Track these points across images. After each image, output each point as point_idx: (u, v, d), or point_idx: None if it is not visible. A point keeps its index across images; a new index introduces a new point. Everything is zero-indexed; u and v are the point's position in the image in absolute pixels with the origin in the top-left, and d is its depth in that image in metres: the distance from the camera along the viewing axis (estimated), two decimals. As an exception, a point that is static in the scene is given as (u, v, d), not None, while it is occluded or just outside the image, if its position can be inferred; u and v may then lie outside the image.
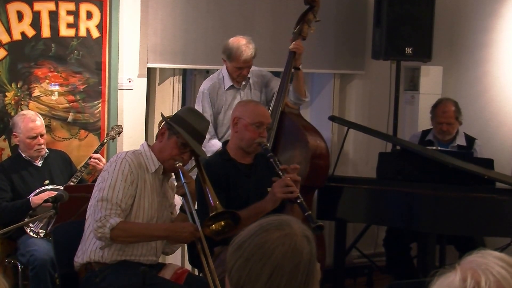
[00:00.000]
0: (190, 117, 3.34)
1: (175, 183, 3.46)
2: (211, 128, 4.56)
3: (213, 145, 4.52)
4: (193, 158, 3.41)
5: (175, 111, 4.83)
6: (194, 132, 3.29)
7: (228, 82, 4.61)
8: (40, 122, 4.33)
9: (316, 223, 3.39)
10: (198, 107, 4.59)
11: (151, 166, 3.32)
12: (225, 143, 3.82)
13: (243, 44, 4.48)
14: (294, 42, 4.62)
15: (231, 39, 4.52)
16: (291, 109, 4.70)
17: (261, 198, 3.54)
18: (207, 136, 4.52)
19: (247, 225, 1.59)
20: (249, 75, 4.64)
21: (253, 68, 4.64)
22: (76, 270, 3.33)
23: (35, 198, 4.16)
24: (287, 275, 1.47)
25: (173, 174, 3.44)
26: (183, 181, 3.25)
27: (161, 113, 3.70)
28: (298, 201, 3.43)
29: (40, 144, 4.31)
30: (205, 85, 4.64)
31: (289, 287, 1.47)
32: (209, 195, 3.27)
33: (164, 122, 3.42)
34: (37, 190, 4.22)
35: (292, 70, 4.61)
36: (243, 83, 4.64)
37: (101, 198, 3.17)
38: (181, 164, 3.30)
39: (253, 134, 3.63)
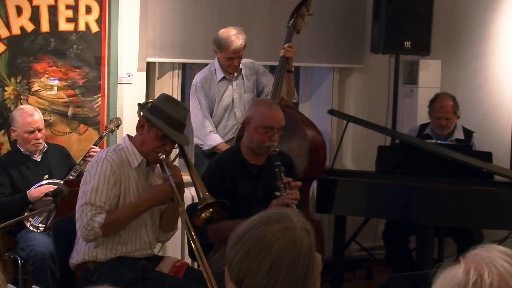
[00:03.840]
0: (167, 106, 3.22)
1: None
2: (211, 123, 4.56)
3: (212, 139, 4.51)
4: (176, 146, 3.33)
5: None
6: (172, 121, 3.18)
7: (220, 74, 4.61)
8: (38, 116, 4.31)
9: None
10: (193, 100, 4.59)
11: (133, 161, 3.25)
12: (238, 140, 3.79)
13: (232, 34, 4.48)
14: (284, 48, 4.56)
15: (221, 30, 4.53)
16: (287, 102, 4.69)
17: (268, 201, 3.52)
18: (208, 130, 4.51)
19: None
20: (241, 66, 4.63)
21: (245, 60, 4.64)
22: (73, 271, 3.32)
23: (33, 192, 4.15)
24: (287, 267, 1.48)
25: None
26: (169, 174, 3.18)
27: (138, 103, 3.53)
28: None
29: (38, 139, 4.29)
30: (197, 78, 4.64)
31: (289, 279, 1.48)
32: (197, 185, 3.22)
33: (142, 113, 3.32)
34: (36, 185, 4.21)
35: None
36: (235, 74, 4.64)
37: (85, 203, 3.14)
38: (164, 156, 3.23)
39: (262, 137, 3.59)
